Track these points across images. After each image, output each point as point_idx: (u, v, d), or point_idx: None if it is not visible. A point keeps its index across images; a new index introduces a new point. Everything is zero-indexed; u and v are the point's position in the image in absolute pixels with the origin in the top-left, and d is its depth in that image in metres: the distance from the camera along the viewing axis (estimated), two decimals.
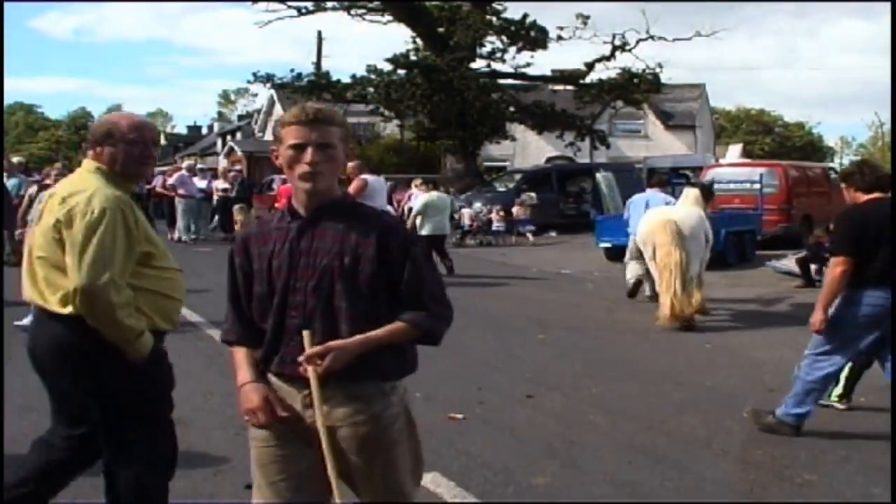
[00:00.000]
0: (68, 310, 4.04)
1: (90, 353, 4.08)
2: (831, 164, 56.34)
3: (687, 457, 6.49)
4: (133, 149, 4.25)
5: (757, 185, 22.48)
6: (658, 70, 38.72)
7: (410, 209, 19.97)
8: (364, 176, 15.72)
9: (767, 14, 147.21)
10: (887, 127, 58.04)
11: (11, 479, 4.36)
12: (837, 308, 6.87)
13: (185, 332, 10.97)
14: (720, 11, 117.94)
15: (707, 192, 13.81)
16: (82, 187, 4.15)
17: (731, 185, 23.64)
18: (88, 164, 4.30)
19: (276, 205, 31.66)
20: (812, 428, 7.22)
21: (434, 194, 18.30)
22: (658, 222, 12.22)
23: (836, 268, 6.79)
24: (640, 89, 39.42)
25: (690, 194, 13.49)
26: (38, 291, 4.19)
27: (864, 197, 6.96)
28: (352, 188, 14.58)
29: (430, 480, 5.76)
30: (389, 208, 20.11)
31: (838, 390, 7.84)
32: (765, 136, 79.77)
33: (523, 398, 8.09)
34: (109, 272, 3.97)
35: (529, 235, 27.39)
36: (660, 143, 51.74)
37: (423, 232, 17.26)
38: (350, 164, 14.14)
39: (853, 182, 7.04)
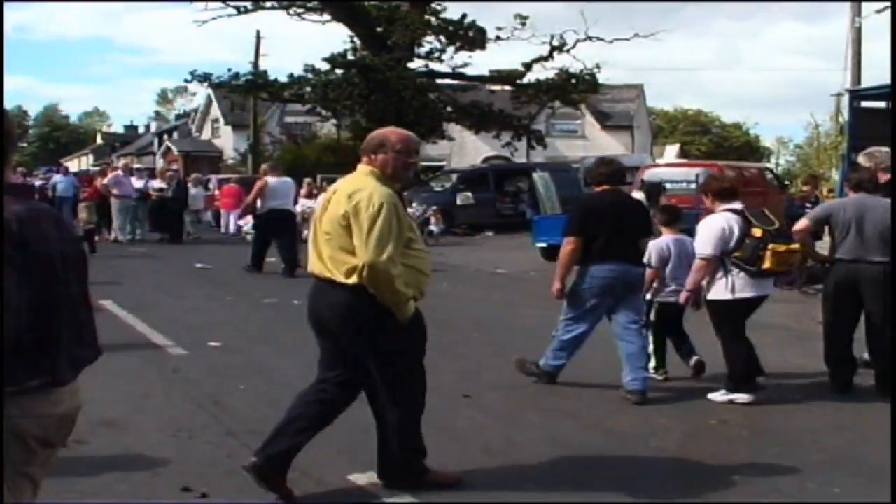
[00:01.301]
0: (352, 280, 5.22)
1: (368, 314, 5.27)
2: (768, 165, 57.14)
3: (625, 455, 6.58)
4: (400, 157, 5.48)
5: (693, 185, 22.71)
6: (596, 70, 38.96)
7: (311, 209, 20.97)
8: (266, 177, 16.93)
9: (708, 16, 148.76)
10: (823, 128, 58.81)
11: (289, 431, 5.57)
12: (574, 281, 8.40)
13: (121, 333, 10.92)
14: (660, 13, 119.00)
15: (652, 192, 14.09)
16: (362, 186, 5.32)
17: (668, 185, 23.87)
18: (363, 168, 5.49)
19: (216, 203, 31.66)
20: (748, 425, 7.39)
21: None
22: None
23: (566, 247, 8.30)
24: (577, 89, 39.64)
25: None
26: (324, 266, 5.37)
27: (597, 189, 8.46)
28: (254, 188, 16.46)
29: (368, 481, 5.81)
30: (297, 209, 20.81)
31: (652, 363, 8.80)
32: (702, 136, 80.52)
33: (460, 398, 8.13)
34: (388, 251, 5.16)
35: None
36: (597, 144, 52.13)
37: None
38: (263, 166, 15.56)
39: (589, 176, 7.96)
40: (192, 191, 28.23)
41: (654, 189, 14.03)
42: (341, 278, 5.28)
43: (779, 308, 14.04)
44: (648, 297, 8.89)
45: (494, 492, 5.80)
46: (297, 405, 5.74)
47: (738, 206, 8.10)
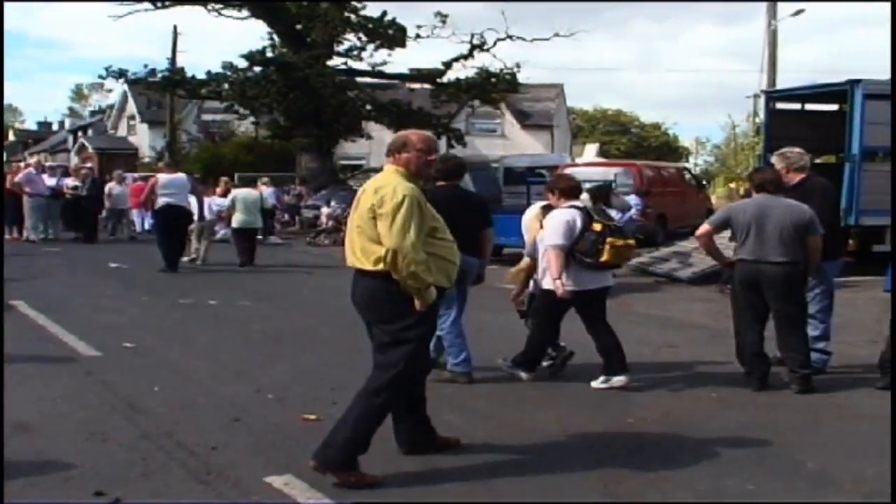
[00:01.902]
0: (379, 267, 5.81)
1: (391, 299, 5.86)
2: (686, 165, 57.89)
3: (542, 454, 6.60)
4: (422, 155, 6.06)
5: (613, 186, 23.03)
6: (516, 70, 39.11)
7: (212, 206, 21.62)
8: (158, 174, 18.80)
9: (628, 17, 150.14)
10: (740, 129, 59.65)
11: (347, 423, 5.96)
12: None
13: (32, 334, 10.76)
14: (580, 14, 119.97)
15: (598, 195, 14.59)
16: (388, 181, 5.91)
17: (587, 185, 24.13)
18: (389, 167, 6.08)
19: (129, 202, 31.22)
20: (664, 420, 7.49)
21: (243, 191, 20.82)
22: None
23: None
24: (497, 89, 39.80)
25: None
26: (356, 257, 5.98)
27: (437, 185, 8.72)
28: (147, 185, 17.67)
29: (284, 483, 5.78)
30: (214, 207, 21.23)
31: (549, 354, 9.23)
32: (622, 136, 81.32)
33: None
34: (410, 237, 5.73)
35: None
36: (517, 143, 52.41)
37: (234, 225, 20.11)
38: (160, 163, 16.63)
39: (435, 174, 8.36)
40: (117, 189, 27.52)
41: (601, 192, 14.31)
42: (369, 266, 5.89)
43: (697, 307, 14.35)
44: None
45: (413, 492, 5.80)
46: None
47: (580, 203, 8.81)
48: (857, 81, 17.22)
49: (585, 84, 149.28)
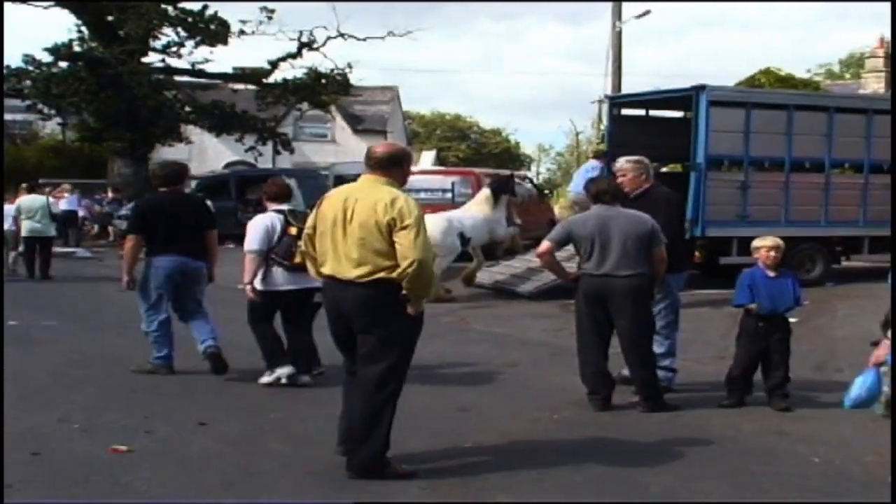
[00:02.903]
0: (378, 276, 6.42)
1: (388, 305, 6.49)
2: (528, 173, 58.75)
3: (374, 484, 6.56)
4: (408, 170, 6.97)
5: (449, 195, 23.15)
6: (348, 70, 39.09)
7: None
8: None
9: (468, 16, 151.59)
10: (583, 135, 61.10)
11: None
12: (143, 273, 10.20)
13: None
14: (418, 11, 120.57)
15: (498, 190, 17.57)
16: (396, 195, 6.51)
17: (423, 195, 24.18)
18: (380, 178, 6.65)
19: None
20: (501, 443, 7.52)
21: (27, 197, 20.90)
22: None
23: (127, 243, 10.25)
24: (328, 90, 39.66)
25: (480, 195, 17.59)
26: (350, 268, 6.51)
27: (161, 189, 10.21)
28: None
29: None
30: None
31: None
32: (460, 142, 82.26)
33: (196, 426, 7.97)
34: (429, 250, 6.55)
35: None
36: (348, 149, 52.28)
37: (23, 233, 20.42)
38: None
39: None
40: None
41: (502, 184, 17.55)
42: (364, 277, 6.47)
43: (538, 323, 14.51)
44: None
45: None
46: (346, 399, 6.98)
47: (285, 207, 9.91)
48: (702, 88, 17.67)
49: (422, 86, 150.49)
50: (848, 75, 63.72)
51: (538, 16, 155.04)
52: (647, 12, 35.83)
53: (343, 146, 53.86)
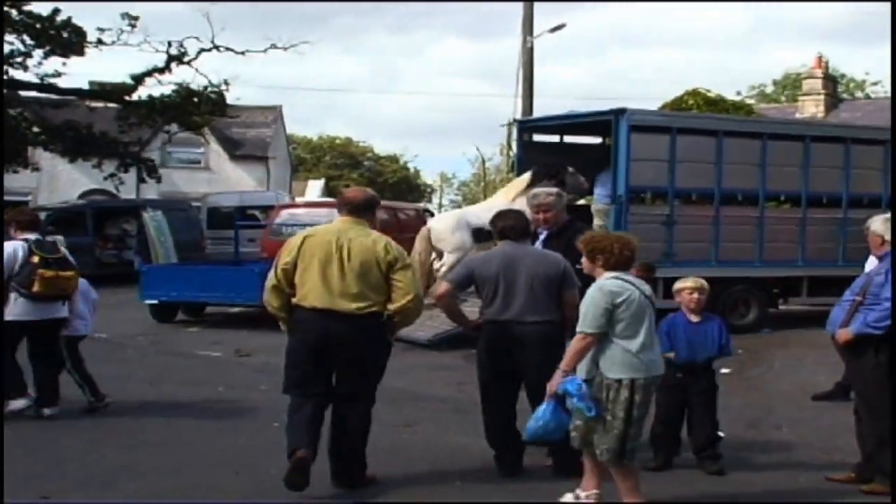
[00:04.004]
0: (372, 310, 8.15)
1: (380, 336, 8.34)
2: (428, 205, 58.99)
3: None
4: (376, 213, 8.90)
5: None
6: (224, 88, 38.72)
7: None
8: None
9: (362, 27, 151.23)
10: (491, 163, 61.54)
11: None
12: None
13: None
14: (305, 21, 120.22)
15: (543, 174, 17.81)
16: (385, 238, 8.42)
17: (310, 231, 24.20)
18: (361, 221, 8.44)
19: None
20: None
21: None
22: None
23: None
24: (200, 110, 39.18)
25: (516, 181, 18.63)
26: (348, 302, 8.09)
27: None
28: None
29: None
30: None
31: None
32: (352, 170, 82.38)
33: (38, 500, 7.89)
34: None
35: None
36: (224, 177, 52.07)
37: None
38: None
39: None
40: None
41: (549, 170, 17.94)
42: (363, 309, 8.10)
43: (438, 376, 14.51)
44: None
45: None
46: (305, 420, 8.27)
47: (32, 236, 10.93)
48: (622, 111, 17.90)
49: (309, 107, 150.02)
50: (783, 98, 64.94)
51: (437, 30, 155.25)
52: (562, 25, 36.20)
53: (218, 174, 53.51)
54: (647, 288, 7.68)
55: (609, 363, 7.44)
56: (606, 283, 7.47)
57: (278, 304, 8.31)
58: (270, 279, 8.40)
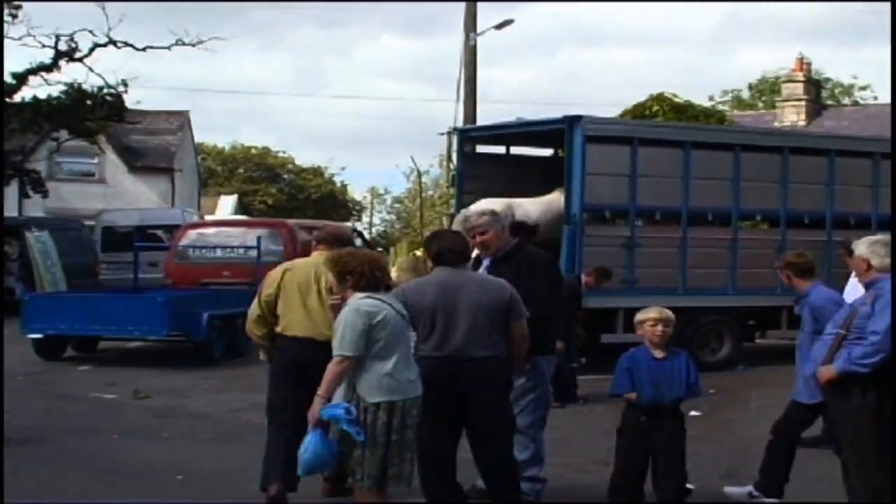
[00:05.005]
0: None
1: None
2: (357, 225, 58.95)
3: None
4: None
5: (254, 252, 22.95)
6: (122, 89, 38.53)
7: None
8: None
9: (284, 21, 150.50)
10: (428, 176, 61.55)
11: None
12: None
13: None
14: (216, 14, 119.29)
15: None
16: None
17: (219, 253, 24.08)
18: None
19: None
20: None
21: None
22: None
23: None
24: (94, 114, 38.99)
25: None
26: (324, 331, 8.87)
27: None
28: None
29: None
30: None
31: None
32: (270, 184, 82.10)
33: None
34: None
35: None
36: (122, 192, 51.82)
37: None
38: None
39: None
40: None
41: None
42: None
43: None
44: None
45: None
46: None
47: None
48: (577, 119, 17.80)
49: (220, 112, 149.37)
50: (761, 104, 65.39)
51: (369, 25, 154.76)
52: (510, 21, 36.22)
53: (115, 188, 53.20)
54: (400, 306, 8.17)
55: (367, 387, 7.94)
56: (361, 303, 7.98)
57: (261, 333, 9.88)
58: (254, 310, 9.94)
